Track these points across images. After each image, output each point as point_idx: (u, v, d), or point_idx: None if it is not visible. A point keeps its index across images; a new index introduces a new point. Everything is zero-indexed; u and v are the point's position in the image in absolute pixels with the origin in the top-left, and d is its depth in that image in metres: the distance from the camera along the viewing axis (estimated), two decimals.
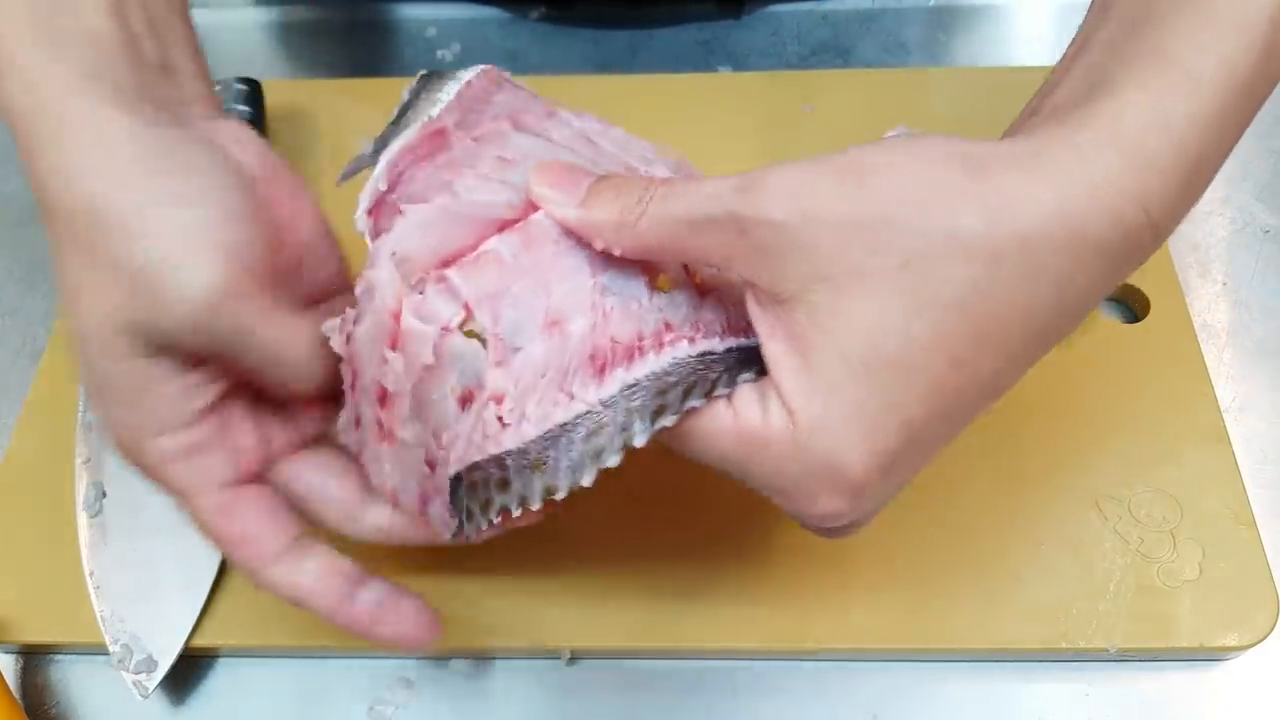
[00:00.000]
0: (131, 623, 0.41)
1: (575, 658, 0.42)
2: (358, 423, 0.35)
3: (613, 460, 0.30)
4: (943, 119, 0.54)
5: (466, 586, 0.42)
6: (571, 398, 0.30)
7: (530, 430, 0.30)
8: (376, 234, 0.33)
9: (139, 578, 0.42)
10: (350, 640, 0.41)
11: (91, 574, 0.42)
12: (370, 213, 0.33)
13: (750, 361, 0.31)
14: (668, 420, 0.30)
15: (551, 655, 0.42)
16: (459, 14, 0.65)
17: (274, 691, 0.42)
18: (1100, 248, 0.28)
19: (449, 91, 0.36)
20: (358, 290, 0.33)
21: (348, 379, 0.34)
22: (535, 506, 0.31)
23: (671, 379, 0.30)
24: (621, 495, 0.44)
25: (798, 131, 0.56)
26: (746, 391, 0.30)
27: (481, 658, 0.42)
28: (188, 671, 0.42)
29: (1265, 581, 0.41)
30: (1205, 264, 0.52)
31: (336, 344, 0.34)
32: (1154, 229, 0.28)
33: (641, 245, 0.30)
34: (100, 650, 0.41)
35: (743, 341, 0.31)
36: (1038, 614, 0.41)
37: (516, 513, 0.31)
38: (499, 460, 0.30)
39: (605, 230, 0.31)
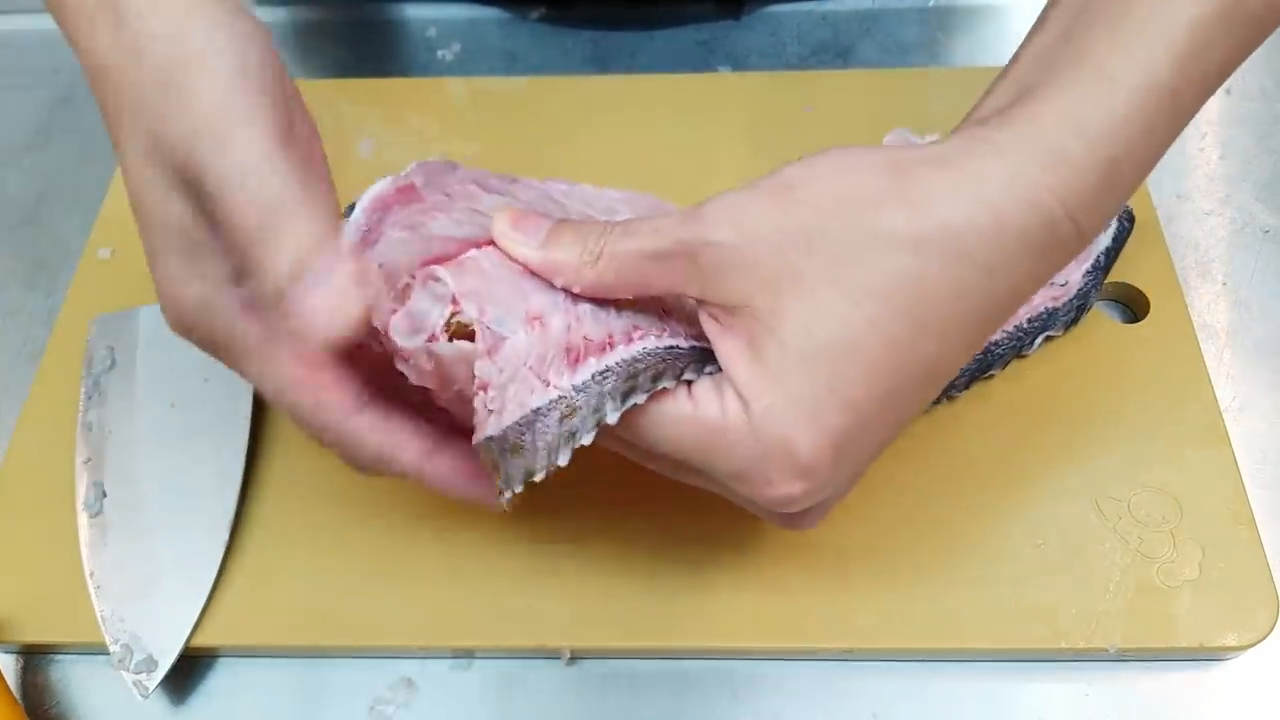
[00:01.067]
0: (132, 622, 0.41)
1: (575, 657, 0.42)
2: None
3: (586, 439, 0.32)
4: (943, 119, 0.54)
5: (466, 586, 0.42)
6: (547, 384, 0.32)
7: (508, 417, 0.32)
8: None
9: (139, 577, 0.42)
10: (351, 640, 0.41)
11: (92, 574, 0.42)
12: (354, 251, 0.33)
13: (714, 359, 0.33)
14: (639, 398, 0.32)
15: (552, 655, 0.42)
16: (459, 14, 0.65)
17: (274, 691, 0.42)
18: (1022, 236, 0.30)
19: (410, 166, 0.37)
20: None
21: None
22: (517, 489, 0.32)
23: (641, 365, 0.32)
24: (623, 495, 0.44)
25: (798, 131, 0.56)
26: (705, 385, 0.32)
27: (482, 657, 0.42)
28: (188, 671, 0.42)
29: (1265, 581, 0.41)
30: (1205, 264, 0.52)
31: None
32: (1073, 221, 0.31)
33: (600, 282, 0.32)
34: (100, 650, 0.41)
35: (707, 343, 0.33)
36: (1037, 614, 0.41)
37: (506, 495, 0.33)
38: (485, 445, 0.32)
39: (566, 269, 0.33)
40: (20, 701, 0.41)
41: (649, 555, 0.43)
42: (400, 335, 0.32)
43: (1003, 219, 0.30)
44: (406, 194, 0.36)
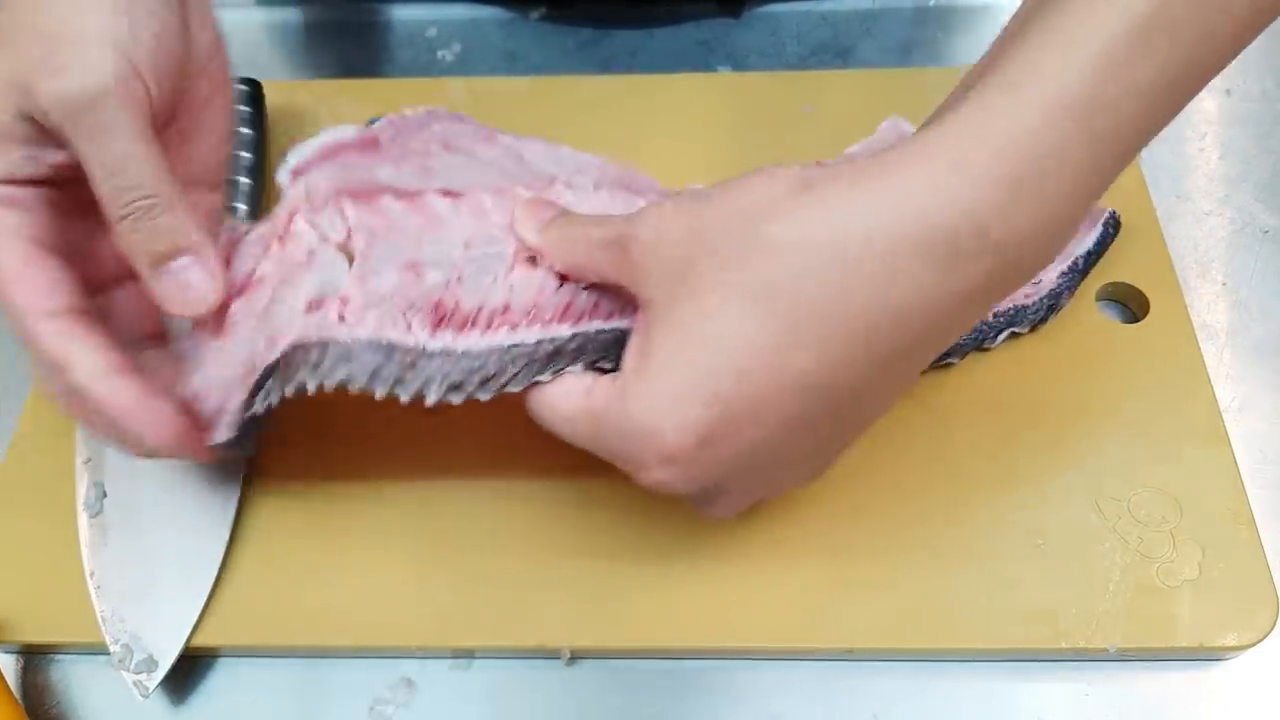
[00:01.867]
0: (132, 622, 0.41)
1: (575, 658, 0.42)
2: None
3: (403, 396, 0.36)
4: None
5: (466, 586, 0.42)
6: (409, 329, 0.36)
7: (363, 333, 0.35)
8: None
9: (139, 577, 0.42)
10: (351, 640, 0.41)
11: (92, 574, 0.42)
12: (295, 171, 0.39)
13: (554, 358, 0.37)
14: (455, 397, 0.36)
15: (552, 655, 0.42)
16: (459, 14, 0.65)
17: (274, 691, 0.42)
18: (917, 246, 0.30)
19: (384, 118, 0.42)
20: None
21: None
22: (328, 387, 0.36)
23: (475, 365, 0.36)
24: (623, 494, 0.44)
25: (798, 131, 0.56)
26: (605, 377, 0.35)
27: (482, 657, 0.42)
28: (188, 671, 0.42)
29: (1265, 581, 0.41)
30: (1205, 264, 0.52)
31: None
32: (981, 233, 0.30)
33: (551, 251, 0.36)
34: (101, 650, 0.41)
35: (554, 333, 0.37)
36: (1037, 614, 0.41)
37: (311, 390, 0.37)
38: (323, 345, 0.36)
39: (549, 248, 0.36)
40: (21, 701, 0.41)
41: (649, 555, 0.43)
42: (303, 223, 0.37)
43: (890, 227, 0.30)
44: (368, 145, 0.40)
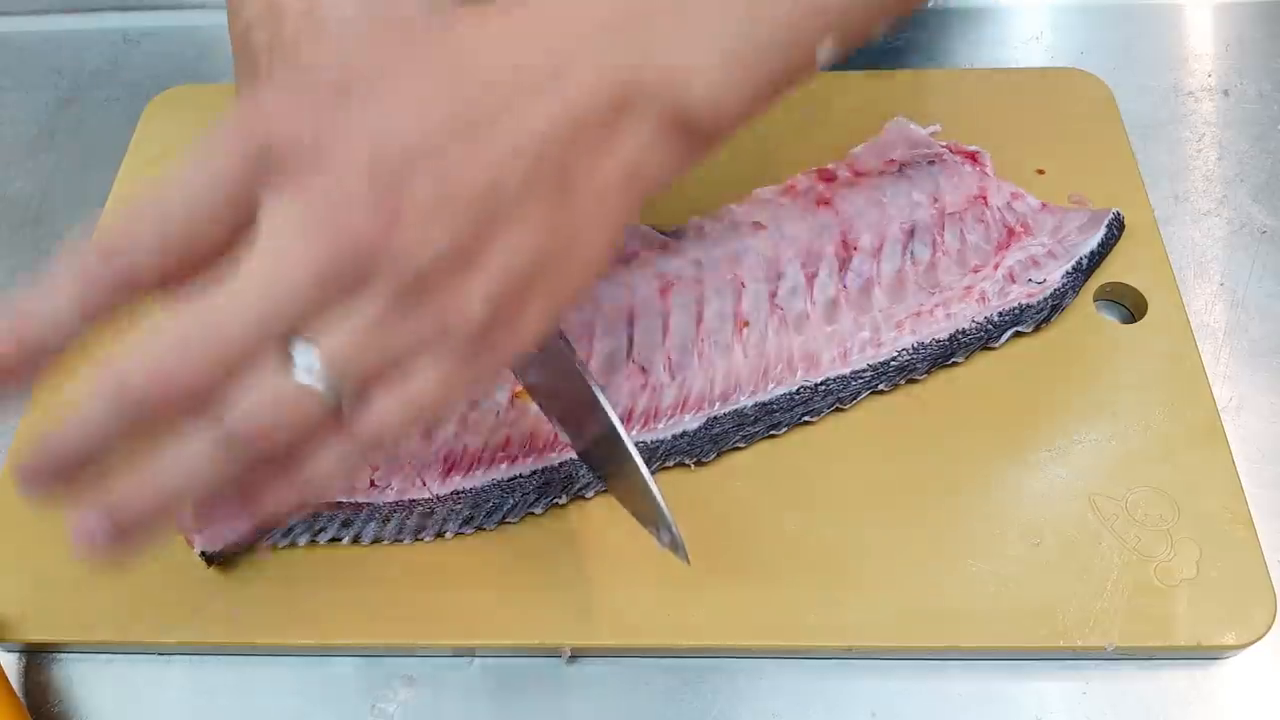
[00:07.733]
0: None
1: (575, 655, 0.42)
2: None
3: (427, 537, 0.43)
4: (941, 119, 0.54)
5: (466, 584, 0.42)
6: (424, 484, 0.43)
7: (391, 496, 0.43)
8: None
9: None
10: (352, 638, 0.42)
11: None
12: None
13: (549, 486, 0.43)
14: (468, 529, 0.43)
15: (552, 653, 0.42)
16: None
17: (276, 689, 0.42)
18: None
19: None
20: None
21: None
22: (366, 542, 0.43)
23: (484, 497, 0.43)
24: None
25: (797, 132, 0.56)
26: None
27: (483, 655, 0.42)
28: (191, 669, 0.42)
29: (1262, 580, 0.41)
30: (1202, 264, 0.52)
31: None
32: None
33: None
34: (102, 649, 0.42)
35: (545, 462, 0.44)
36: (1035, 613, 0.41)
37: (344, 541, 0.43)
38: (358, 506, 0.43)
39: None
40: (23, 700, 0.41)
41: (648, 554, 0.43)
42: None
43: None
44: None
